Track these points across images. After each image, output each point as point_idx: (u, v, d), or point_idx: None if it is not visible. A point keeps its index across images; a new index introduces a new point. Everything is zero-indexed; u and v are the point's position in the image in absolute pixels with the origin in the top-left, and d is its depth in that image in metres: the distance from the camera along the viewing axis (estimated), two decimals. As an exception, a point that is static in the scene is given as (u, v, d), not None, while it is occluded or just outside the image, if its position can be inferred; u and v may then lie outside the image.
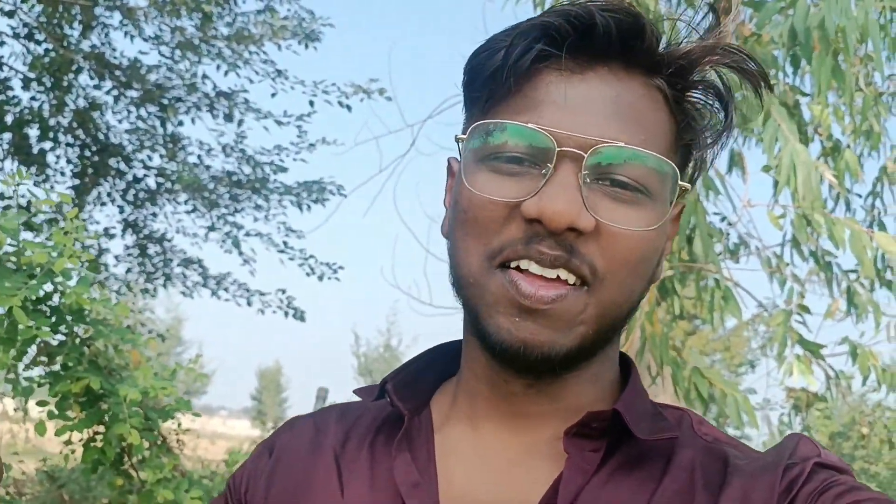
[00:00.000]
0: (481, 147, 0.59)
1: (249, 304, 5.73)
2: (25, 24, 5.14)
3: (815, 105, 3.44)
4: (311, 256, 5.73)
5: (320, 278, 5.72)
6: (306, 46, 5.43)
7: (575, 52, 0.58)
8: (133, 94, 5.32)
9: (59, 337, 2.06)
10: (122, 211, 5.61)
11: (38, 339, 1.95)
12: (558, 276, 0.56)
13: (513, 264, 0.57)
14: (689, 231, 3.12)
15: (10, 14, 5.07)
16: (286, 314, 5.74)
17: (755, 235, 3.60)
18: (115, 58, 5.31)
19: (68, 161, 5.44)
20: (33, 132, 5.26)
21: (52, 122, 5.26)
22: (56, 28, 5.17)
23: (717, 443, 0.60)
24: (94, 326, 2.06)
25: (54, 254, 1.90)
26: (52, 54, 5.05)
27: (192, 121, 5.47)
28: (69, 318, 2.02)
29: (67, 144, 5.42)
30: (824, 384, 3.43)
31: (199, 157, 5.67)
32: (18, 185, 2.07)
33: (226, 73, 5.32)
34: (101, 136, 5.42)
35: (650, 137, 0.58)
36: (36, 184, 5.32)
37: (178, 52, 5.30)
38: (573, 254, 0.55)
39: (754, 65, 0.61)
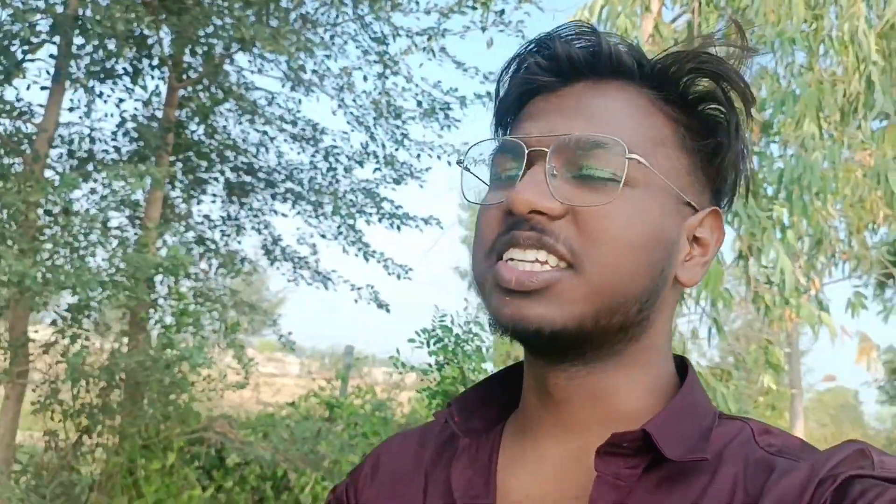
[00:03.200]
0: (486, 170, 0.67)
1: (324, 287, 6.80)
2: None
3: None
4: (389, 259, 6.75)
5: (398, 277, 6.74)
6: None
7: (549, 76, 0.65)
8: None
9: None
10: (257, 216, 7.28)
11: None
12: (536, 260, 0.59)
13: (505, 256, 0.60)
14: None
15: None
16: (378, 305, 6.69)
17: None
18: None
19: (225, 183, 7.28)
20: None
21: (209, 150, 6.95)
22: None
23: (779, 454, 0.58)
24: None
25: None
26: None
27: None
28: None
29: (220, 171, 6.93)
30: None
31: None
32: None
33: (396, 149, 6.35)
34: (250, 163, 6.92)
35: (616, 131, 0.60)
36: (192, 196, 7.12)
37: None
38: (544, 232, 0.59)
39: (734, 73, 0.64)
